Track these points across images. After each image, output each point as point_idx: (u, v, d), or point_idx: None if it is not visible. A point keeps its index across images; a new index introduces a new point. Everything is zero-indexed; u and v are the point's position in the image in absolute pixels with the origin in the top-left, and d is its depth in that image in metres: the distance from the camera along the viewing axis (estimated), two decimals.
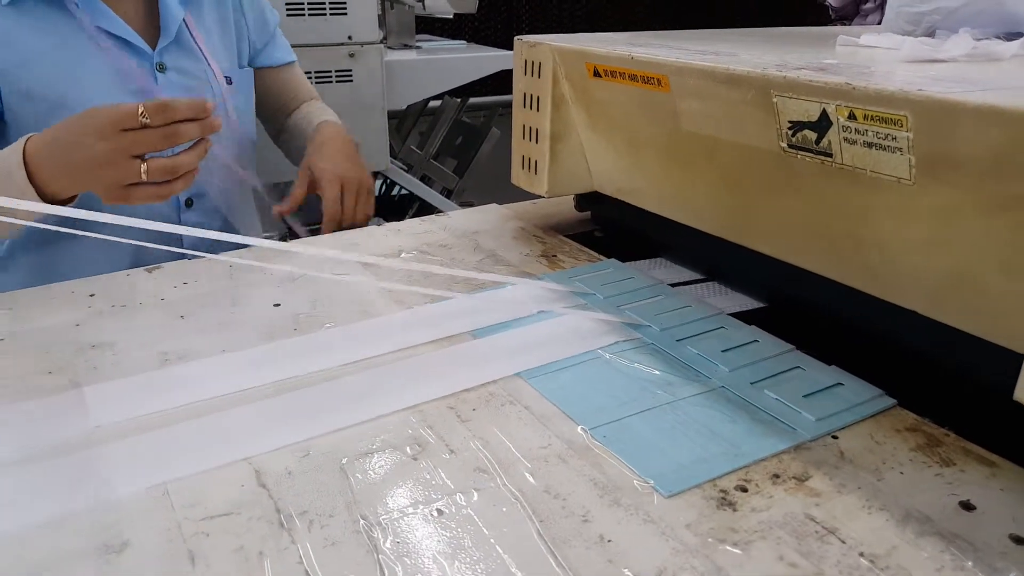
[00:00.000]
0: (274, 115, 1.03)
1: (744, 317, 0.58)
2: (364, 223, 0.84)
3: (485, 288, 0.62)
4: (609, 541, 0.36)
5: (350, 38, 1.26)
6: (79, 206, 0.58)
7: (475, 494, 0.39)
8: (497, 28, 2.65)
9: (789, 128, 0.48)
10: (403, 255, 0.70)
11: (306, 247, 0.72)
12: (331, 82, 1.27)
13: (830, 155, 0.46)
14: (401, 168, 1.48)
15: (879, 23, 0.80)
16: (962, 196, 0.41)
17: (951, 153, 0.40)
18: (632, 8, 2.96)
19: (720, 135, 0.54)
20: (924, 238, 0.44)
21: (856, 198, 0.47)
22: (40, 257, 0.80)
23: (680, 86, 0.54)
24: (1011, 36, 0.66)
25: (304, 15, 1.21)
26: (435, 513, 0.37)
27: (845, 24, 1.73)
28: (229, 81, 0.89)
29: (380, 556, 0.34)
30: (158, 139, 0.61)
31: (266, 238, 0.67)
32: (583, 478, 0.40)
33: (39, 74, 0.75)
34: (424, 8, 1.42)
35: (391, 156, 1.45)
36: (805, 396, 0.47)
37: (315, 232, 0.85)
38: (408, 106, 1.61)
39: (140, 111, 0.59)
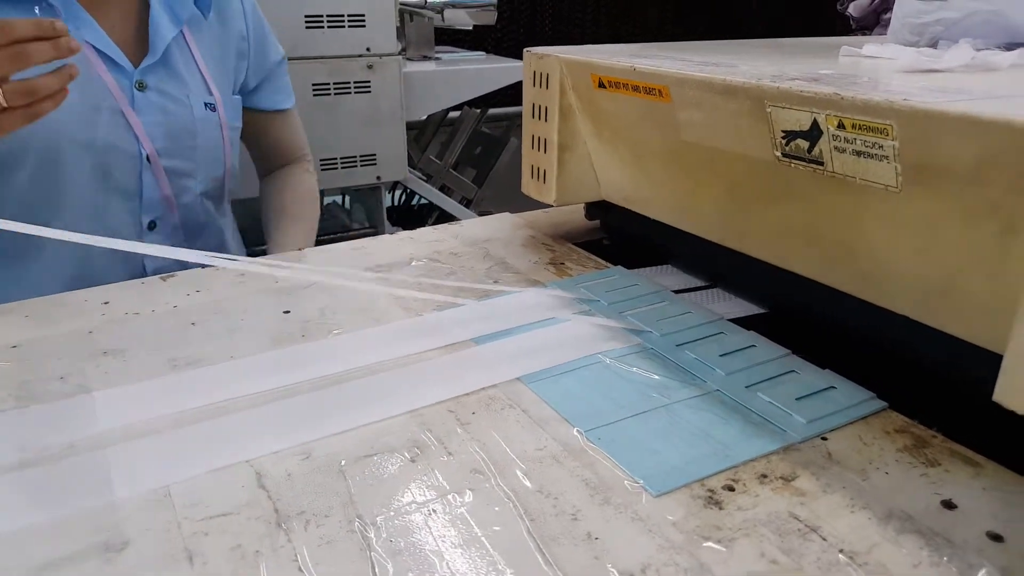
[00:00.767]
0: (258, 161, 1.00)
1: (745, 323, 0.59)
2: None
3: (492, 295, 0.64)
4: (596, 538, 0.37)
5: (368, 50, 1.29)
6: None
7: (469, 494, 0.40)
8: (519, 39, 2.68)
9: (783, 137, 0.49)
10: (414, 263, 0.72)
11: (317, 256, 0.74)
12: (349, 93, 1.30)
13: (821, 163, 0.47)
14: (420, 178, 1.50)
15: None
16: (946, 204, 0.42)
17: (935, 161, 0.41)
18: (655, 18, 2.96)
19: (719, 145, 0.55)
20: (912, 244, 0.45)
21: (847, 206, 0.48)
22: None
23: (680, 97, 0.56)
24: (1012, 47, 0.66)
25: (323, 27, 1.25)
26: (429, 512, 0.39)
27: (866, 34, 1.72)
28: (213, 108, 0.85)
29: (372, 554, 0.36)
30: (3, 60, 0.58)
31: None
32: (575, 478, 0.42)
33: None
34: (443, 20, 1.45)
35: (410, 166, 1.48)
36: (797, 399, 0.48)
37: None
38: (428, 116, 1.64)
39: None
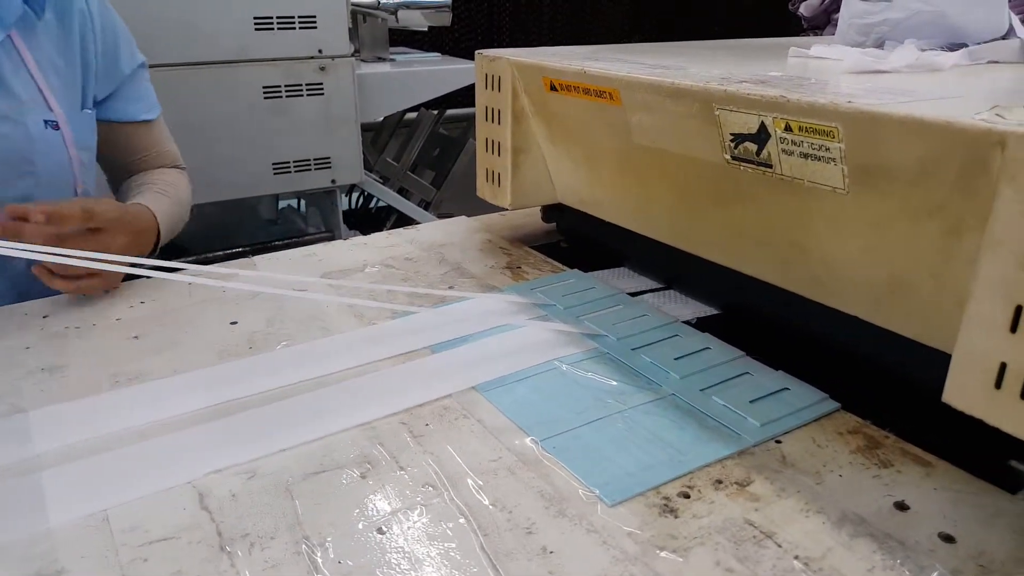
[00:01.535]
0: (119, 173, 0.85)
1: (699, 324, 0.59)
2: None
3: (447, 302, 0.63)
4: (551, 552, 0.36)
5: (320, 51, 1.27)
6: None
7: (422, 510, 0.39)
8: (476, 40, 2.66)
9: (731, 140, 0.49)
10: (367, 269, 0.71)
11: (268, 263, 0.72)
12: (302, 95, 1.28)
13: (770, 166, 0.47)
14: (377, 181, 1.48)
15: None
16: (893, 205, 0.42)
17: (880, 163, 0.41)
18: (613, 20, 2.98)
19: (670, 147, 0.55)
20: (860, 246, 0.45)
21: (797, 208, 0.48)
22: None
23: (631, 100, 0.55)
24: (954, 47, 0.67)
25: (273, 29, 1.22)
26: (379, 532, 0.38)
27: (818, 34, 1.75)
28: (56, 126, 0.71)
29: None
30: None
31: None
32: (530, 490, 0.41)
33: None
34: (397, 21, 1.43)
35: (367, 169, 1.46)
36: (751, 401, 0.48)
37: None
38: (384, 118, 1.62)
39: None
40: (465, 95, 1.48)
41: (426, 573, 0.35)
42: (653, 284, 0.68)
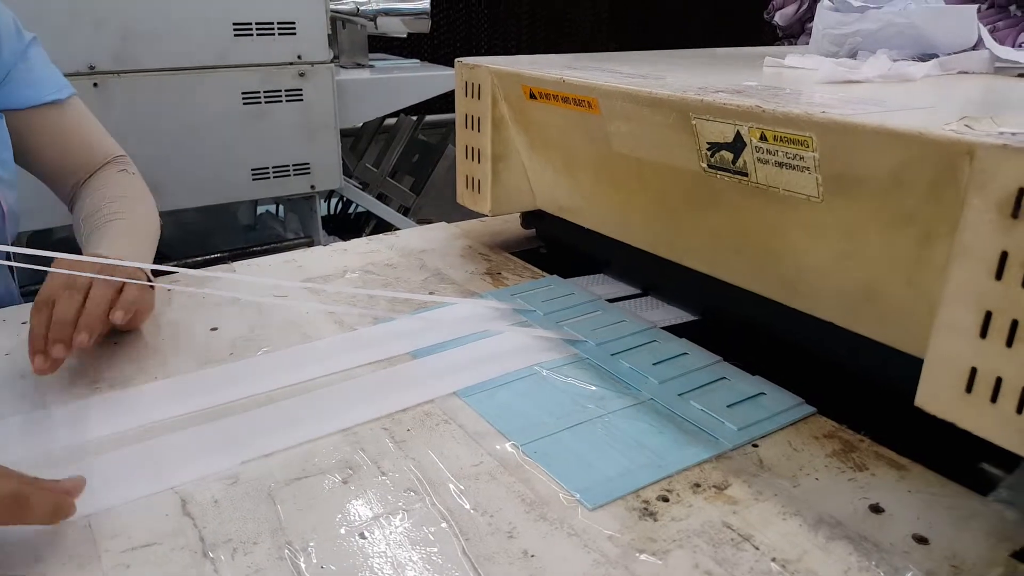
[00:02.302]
0: (54, 183, 0.75)
1: (678, 330, 0.60)
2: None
3: (428, 308, 0.63)
4: (532, 556, 0.37)
5: (300, 57, 1.27)
6: None
7: (404, 515, 0.39)
8: (455, 47, 2.67)
9: (708, 149, 0.49)
10: (347, 275, 0.71)
11: (247, 269, 0.72)
12: (281, 101, 1.28)
13: (746, 174, 0.48)
14: (356, 186, 1.48)
15: None
16: (866, 213, 0.43)
17: (854, 172, 0.42)
18: (589, 28, 3.00)
19: (648, 156, 0.56)
20: (834, 253, 0.46)
21: (772, 216, 0.49)
22: None
23: (609, 109, 0.56)
24: (926, 57, 0.69)
25: (252, 35, 1.22)
26: (361, 536, 0.38)
27: (792, 43, 1.78)
28: None
29: None
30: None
31: None
32: (512, 494, 0.41)
33: None
34: (376, 28, 1.43)
35: (346, 174, 1.46)
36: (729, 406, 0.49)
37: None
38: (364, 124, 1.62)
39: None
40: (444, 101, 1.49)
41: (410, 574, 0.35)
42: (631, 290, 0.68)
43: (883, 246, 0.43)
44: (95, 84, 1.13)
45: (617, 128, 0.56)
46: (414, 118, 1.57)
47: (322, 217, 1.44)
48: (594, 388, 0.52)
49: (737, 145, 0.47)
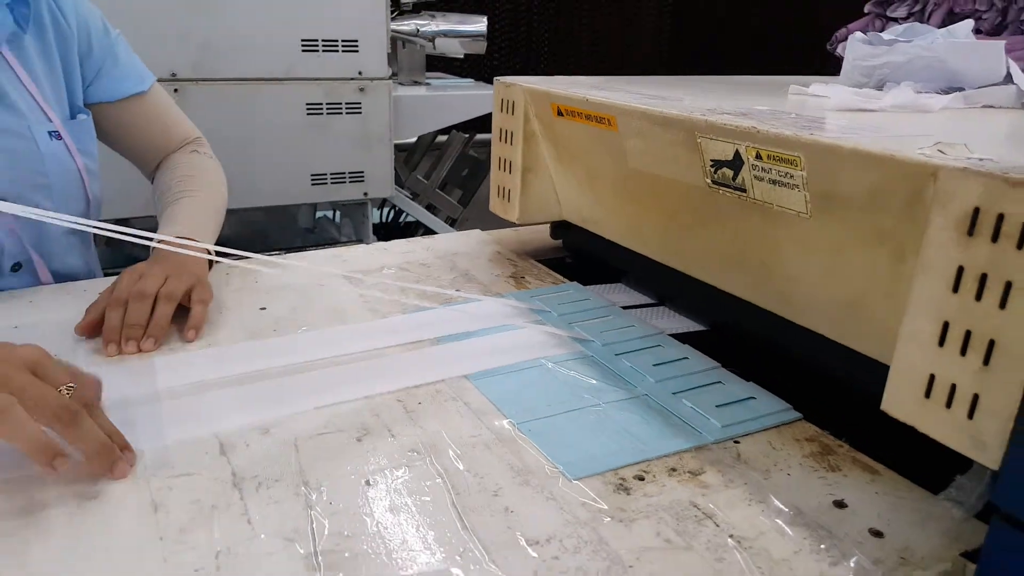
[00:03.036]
0: (141, 164, 0.85)
1: (684, 338, 0.63)
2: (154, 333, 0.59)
3: (453, 303, 0.69)
4: (512, 512, 0.41)
5: (360, 73, 1.35)
6: None
7: (405, 470, 0.44)
8: (515, 68, 2.76)
9: (711, 166, 0.54)
10: (385, 270, 0.77)
11: (297, 260, 0.78)
12: (341, 113, 1.36)
13: (744, 190, 0.52)
14: (407, 196, 1.56)
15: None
16: (848, 230, 0.46)
17: (837, 191, 0.46)
18: (652, 51, 3.05)
19: (660, 171, 0.60)
20: (821, 266, 0.50)
21: (768, 229, 0.53)
22: None
23: (626, 126, 0.61)
24: (952, 91, 0.71)
25: (319, 51, 1.31)
26: (367, 483, 0.43)
27: None
28: (58, 136, 0.72)
29: (312, 512, 0.40)
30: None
31: None
32: (502, 463, 0.46)
33: None
34: (435, 48, 1.51)
35: (398, 185, 1.53)
36: (718, 406, 0.52)
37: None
38: (418, 138, 1.70)
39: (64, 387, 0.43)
40: None
41: (403, 518, 0.40)
42: (646, 300, 0.72)
43: (864, 261, 0.47)
44: (175, 90, 1.24)
45: (633, 145, 0.61)
46: (465, 135, 1.64)
47: (373, 224, 1.52)
48: (594, 382, 0.56)
49: (736, 163, 0.51)
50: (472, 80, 1.78)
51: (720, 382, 0.56)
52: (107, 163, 0.80)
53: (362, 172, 1.42)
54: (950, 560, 0.40)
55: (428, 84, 1.61)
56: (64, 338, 0.59)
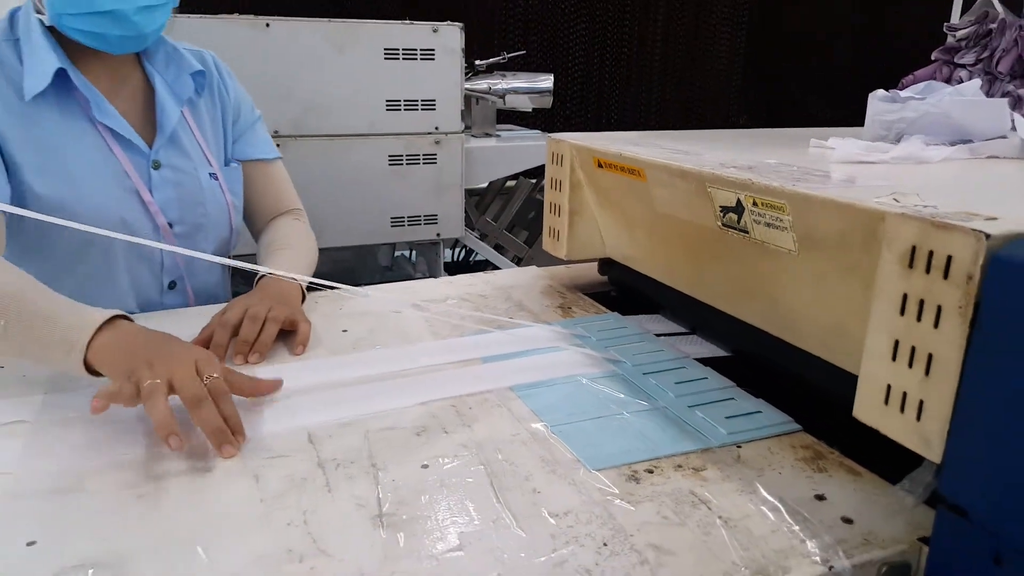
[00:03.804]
0: (248, 217, 1.02)
1: (708, 362, 0.72)
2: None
3: (504, 328, 0.79)
4: (538, 492, 0.51)
5: (436, 128, 1.51)
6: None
7: (455, 459, 0.55)
8: (587, 119, 2.89)
9: (720, 211, 0.63)
10: (448, 300, 0.89)
11: (374, 291, 0.91)
12: (419, 163, 1.52)
13: (747, 232, 0.61)
14: (476, 237, 1.69)
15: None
16: (827, 264, 0.55)
17: (816, 232, 0.54)
18: (722, 105, 3.12)
19: (681, 215, 0.70)
20: (811, 296, 0.58)
21: (768, 265, 0.61)
22: None
23: (652, 177, 0.71)
24: (960, 143, 0.78)
25: (400, 109, 1.47)
26: (423, 467, 0.53)
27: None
28: (215, 177, 0.93)
29: (379, 486, 0.51)
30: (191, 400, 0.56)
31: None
32: (534, 456, 0.55)
33: (50, 170, 0.80)
34: (504, 104, 1.66)
35: (469, 226, 1.67)
36: (727, 417, 0.61)
37: None
38: (489, 184, 1.84)
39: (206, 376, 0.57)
40: None
41: (450, 493, 0.50)
42: (680, 329, 0.81)
43: (841, 290, 0.54)
44: (277, 145, 1.42)
45: (658, 192, 0.71)
46: (532, 181, 1.77)
47: (445, 262, 1.66)
48: (621, 395, 0.65)
49: (739, 208, 0.60)
50: (539, 131, 1.91)
51: (732, 398, 0.64)
52: None
53: (436, 215, 1.56)
54: (907, 543, 0.46)
55: (498, 136, 1.76)
56: None
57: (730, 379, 0.67)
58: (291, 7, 1.47)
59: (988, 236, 0.39)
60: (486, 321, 0.80)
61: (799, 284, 0.59)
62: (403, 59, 1.46)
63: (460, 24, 1.48)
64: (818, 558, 0.45)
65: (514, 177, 1.75)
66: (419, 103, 1.49)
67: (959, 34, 1.35)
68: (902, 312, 0.46)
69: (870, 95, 0.88)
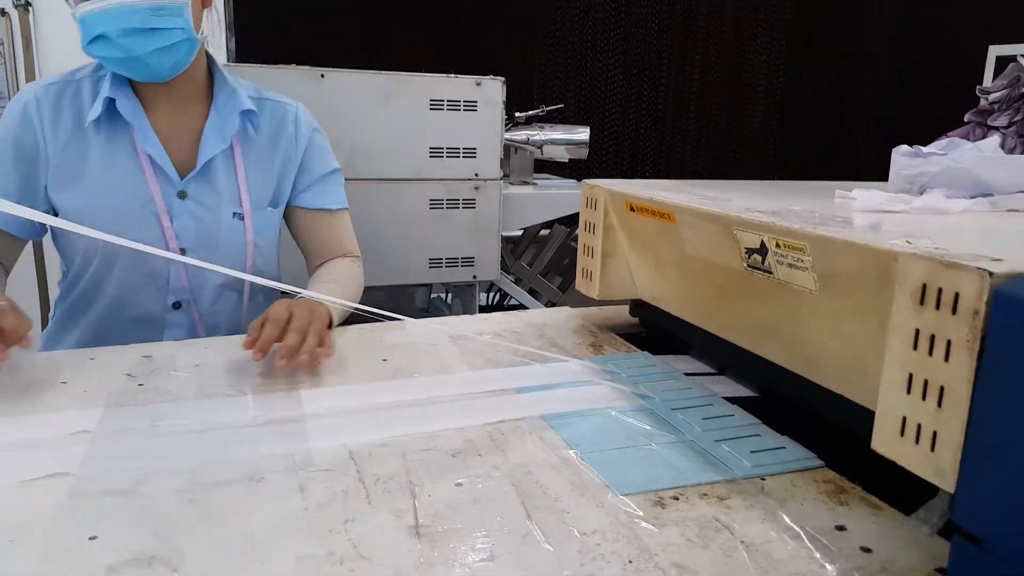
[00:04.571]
0: (307, 257, 1.09)
1: (736, 401, 0.74)
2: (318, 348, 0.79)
3: (537, 361, 0.83)
4: (567, 512, 0.53)
5: (476, 175, 1.58)
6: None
7: (489, 479, 0.58)
8: (622, 167, 2.95)
9: (746, 253, 0.66)
10: (483, 336, 0.92)
11: (413, 326, 0.96)
12: (458, 208, 1.58)
13: (771, 272, 0.64)
14: (511, 281, 1.74)
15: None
16: (846, 303, 0.57)
17: (835, 271, 0.57)
18: (755, 157, 3.16)
19: (708, 257, 0.73)
20: (831, 333, 0.60)
21: (791, 304, 0.64)
22: (82, 333, 0.98)
23: (682, 221, 0.75)
24: (984, 196, 0.80)
25: (443, 156, 1.55)
26: (457, 485, 0.57)
27: None
28: (241, 217, 0.97)
29: (415, 501, 0.54)
30: None
31: None
32: (564, 479, 0.58)
33: (70, 184, 0.89)
34: (542, 154, 1.72)
35: (504, 271, 1.72)
36: (752, 451, 0.63)
37: None
38: (525, 230, 1.90)
39: None
40: None
41: (481, 508, 0.53)
42: (708, 369, 0.83)
43: (860, 328, 0.57)
44: None
45: (687, 235, 0.74)
46: (567, 228, 1.81)
47: (480, 305, 1.70)
48: (648, 428, 0.67)
49: (763, 250, 0.64)
50: (575, 180, 1.97)
51: (758, 434, 0.66)
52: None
53: (473, 258, 1.61)
54: (924, 573, 0.48)
55: (535, 184, 1.82)
56: (232, 375, 0.78)
57: (756, 417, 0.69)
58: (343, 60, 1.56)
59: (991, 274, 0.42)
60: (520, 354, 0.84)
61: (820, 322, 0.61)
62: (447, 110, 1.54)
63: (502, 78, 1.56)
64: None
65: (549, 225, 1.80)
66: (460, 151, 1.56)
67: (991, 97, 1.37)
68: (915, 347, 0.48)
69: (894, 150, 0.92)
